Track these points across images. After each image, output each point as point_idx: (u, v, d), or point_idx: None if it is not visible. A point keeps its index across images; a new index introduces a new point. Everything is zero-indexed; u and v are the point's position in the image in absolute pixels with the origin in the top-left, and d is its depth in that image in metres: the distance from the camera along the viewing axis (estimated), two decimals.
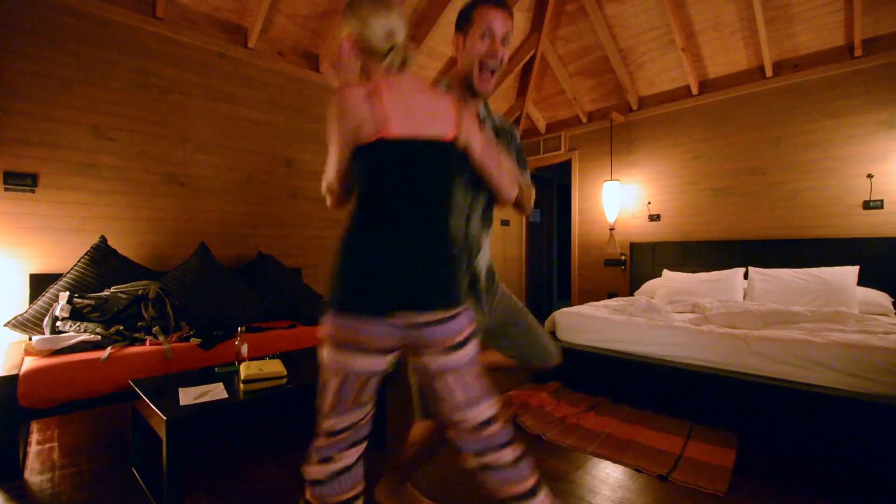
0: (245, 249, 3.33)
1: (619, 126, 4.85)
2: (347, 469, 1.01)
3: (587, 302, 4.45)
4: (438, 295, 0.97)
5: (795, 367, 2.10)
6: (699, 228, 4.27)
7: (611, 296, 4.82)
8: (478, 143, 1.08)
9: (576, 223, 5.26)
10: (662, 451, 2.01)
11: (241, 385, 1.68)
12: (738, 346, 2.29)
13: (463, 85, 1.22)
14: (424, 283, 0.95)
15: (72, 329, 2.10)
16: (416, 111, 0.98)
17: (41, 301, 2.27)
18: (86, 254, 2.47)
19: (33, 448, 1.99)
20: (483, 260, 1.30)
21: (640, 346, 2.67)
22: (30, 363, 1.79)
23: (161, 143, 2.95)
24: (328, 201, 1.09)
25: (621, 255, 4.80)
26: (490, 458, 1.01)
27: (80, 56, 2.63)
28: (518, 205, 1.31)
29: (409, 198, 0.97)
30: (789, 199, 3.77)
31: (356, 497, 1.02)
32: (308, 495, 1.02)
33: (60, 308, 2.14)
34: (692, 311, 3.15)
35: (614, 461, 1.92)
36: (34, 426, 2.22)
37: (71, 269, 2.41)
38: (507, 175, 1.16)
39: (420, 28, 3.87)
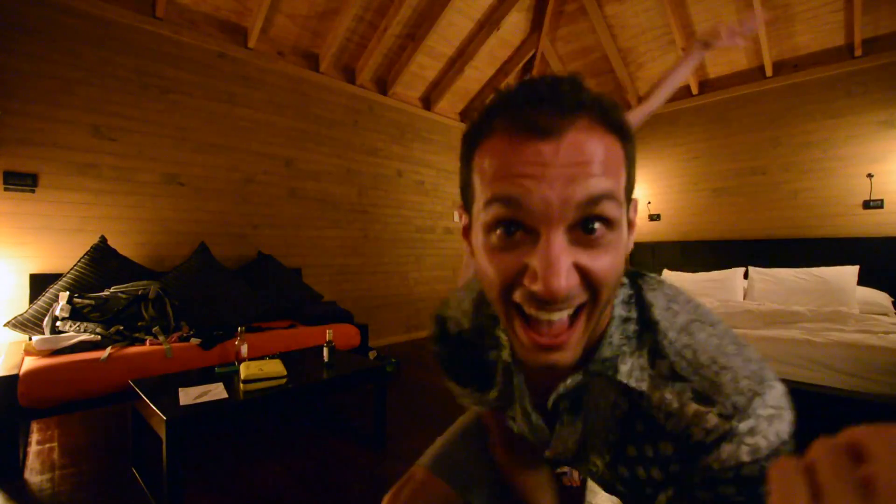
0: (245, 249, 3.33)
1: None
2: None
3: None
4: None
5: (795, 367, 2.10)
6: (699, 228, 4.27)
7: None
8: None
9: None
10: None
11: (241, 385, 1.68)
12: None
13: None
14: None
15: (72, 329, 2.10)
16: None
17: (41, 301, 2.27)
18: (86, 254, 2.47)
19: (33, 448, 1.99)
20: None
21: None
22: (30, 363, 1.79)
23: (161, 143, 2.94)
24: None
25: None
26: None
27: (80, 56, 2.63)
28: None
29: None
30: (789, 199, 3.77)
31: None
32: None
33: (60, 308, 2.14)
34: None
35: None
36: (34, 426, 2.22)
37: (71, 269, 2.41)
38: None
39: (420, 28, 3.87)
